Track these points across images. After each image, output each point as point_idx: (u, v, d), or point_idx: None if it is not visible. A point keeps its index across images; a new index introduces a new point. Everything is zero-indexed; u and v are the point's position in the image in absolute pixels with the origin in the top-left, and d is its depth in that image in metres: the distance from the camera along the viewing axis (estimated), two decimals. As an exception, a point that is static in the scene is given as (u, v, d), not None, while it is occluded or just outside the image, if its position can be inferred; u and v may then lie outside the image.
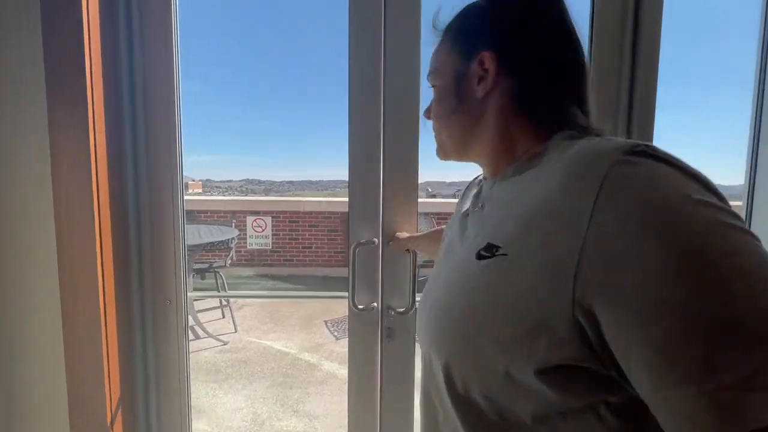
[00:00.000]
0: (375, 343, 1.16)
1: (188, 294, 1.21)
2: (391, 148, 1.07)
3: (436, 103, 0.56)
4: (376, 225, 1.12)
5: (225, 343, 2.86)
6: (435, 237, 1.03)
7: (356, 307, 1.11)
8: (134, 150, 1.07)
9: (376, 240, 1.13)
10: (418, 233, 1.11)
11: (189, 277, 3.02)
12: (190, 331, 2.99)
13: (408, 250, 1.09)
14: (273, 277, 5.01)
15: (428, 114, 0.58)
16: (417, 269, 1.11)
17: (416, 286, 1.10)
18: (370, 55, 1.05)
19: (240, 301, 3.88)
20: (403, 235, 1.11)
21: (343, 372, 2.46)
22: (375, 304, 1.14)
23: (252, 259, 5.19)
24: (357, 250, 1.11)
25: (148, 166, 1.08)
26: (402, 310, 1.11)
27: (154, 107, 1.06)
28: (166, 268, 1.12)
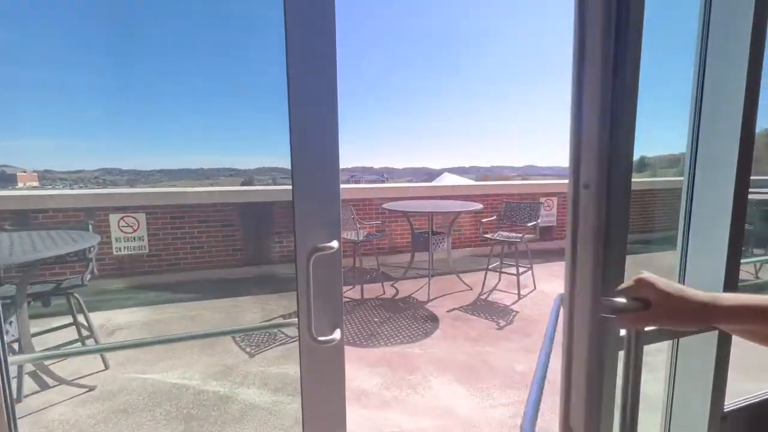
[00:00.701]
0: (339, 381, 0.86)
1: (8, 359, 0.70)
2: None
3: None
4: (337, 225, 0.81)
5: (91, 389, 2.12)
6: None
7: (315, 339, 0.78)
8: None
9: (336, 244, 0.81)
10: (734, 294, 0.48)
11: (22, 306, 2.14)
12: (30, 380, 2.14)
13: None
14: (153, 287, 4.16)
15: None
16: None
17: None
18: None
19: (110, 324, 3.01)
20: (694, 293, 0.50)
21: (268, 399, 2.03)
22: (339, 333, 0.82)
23: (121, 268, 4.21)
24: (314, 258, 0.77)
25: None
26: None
27: None
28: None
